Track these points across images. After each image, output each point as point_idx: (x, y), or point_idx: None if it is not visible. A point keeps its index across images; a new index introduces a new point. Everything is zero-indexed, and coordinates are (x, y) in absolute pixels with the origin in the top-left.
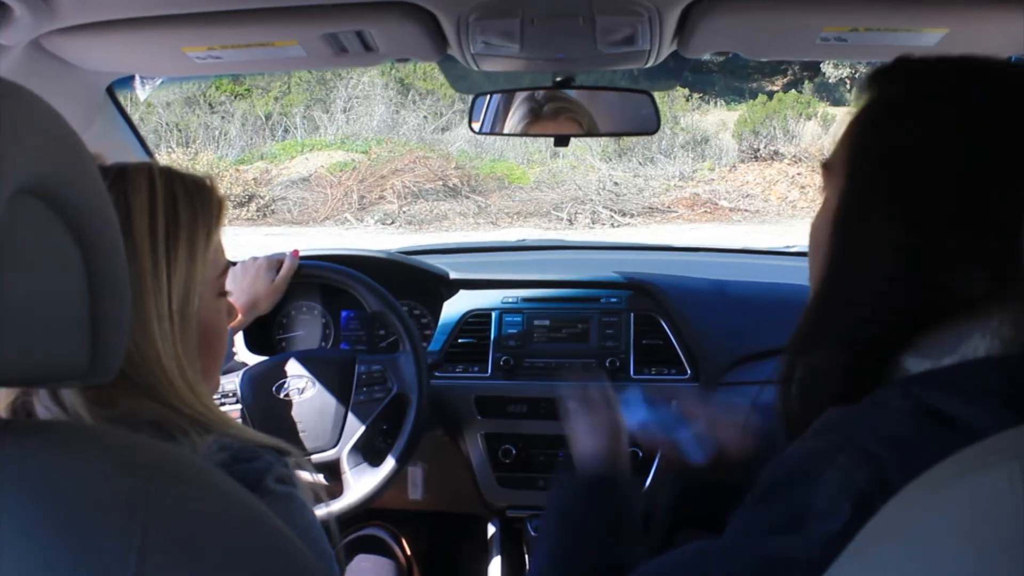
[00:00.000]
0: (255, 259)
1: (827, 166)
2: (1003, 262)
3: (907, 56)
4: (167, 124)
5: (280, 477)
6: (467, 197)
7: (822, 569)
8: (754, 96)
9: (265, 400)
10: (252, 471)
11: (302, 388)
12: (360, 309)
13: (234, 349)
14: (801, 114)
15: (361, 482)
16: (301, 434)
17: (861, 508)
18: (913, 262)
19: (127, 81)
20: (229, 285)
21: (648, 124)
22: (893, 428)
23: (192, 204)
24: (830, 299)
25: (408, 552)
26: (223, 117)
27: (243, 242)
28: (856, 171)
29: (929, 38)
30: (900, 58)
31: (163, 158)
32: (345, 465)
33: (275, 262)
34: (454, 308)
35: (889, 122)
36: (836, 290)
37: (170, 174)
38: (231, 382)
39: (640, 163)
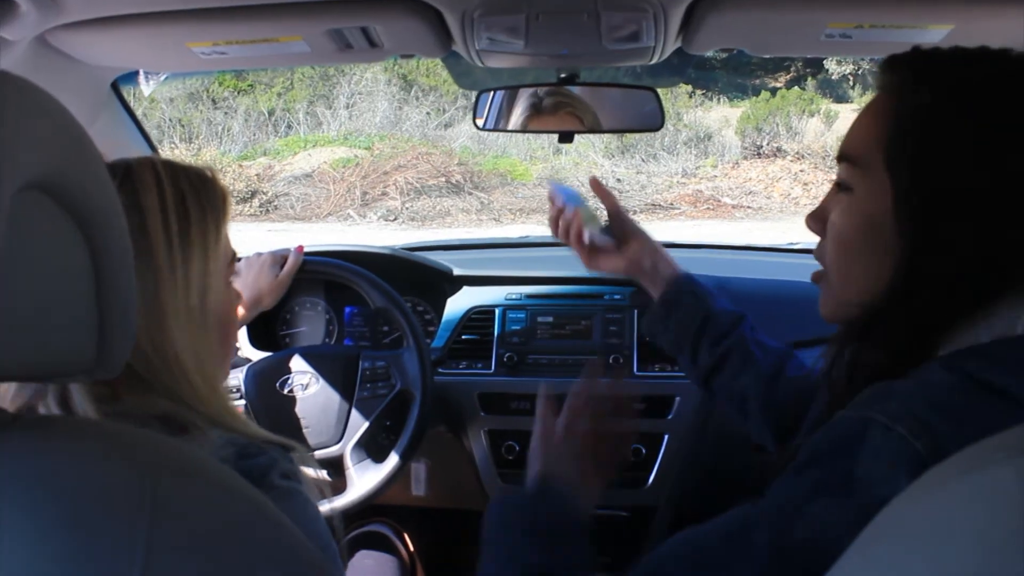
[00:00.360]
0: (259, 255)
1: (853, 161)
2: None
3: (920, 47)
4: (170, 120)
5: (285, 473)
6: (470, 194)
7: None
8: (757, 93)
9: (268, 396)
10: (256, 467)
11: (306, 384)
12: (364, 305)
13: (237, 344)
14: (804, 111)
15: (364, 478)
16: (304, 430)
17: (917, 476)
18: (983, 255)
19: (131, 76)
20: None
21: (652, 120)
22: (946, 399)
23: (200, 199)
24: (903, 294)
25: (411, 548)
26: (226, 113)
27: (246, 238)
28: (913, 170)
29: (934, 34)
30: (916, 48)
31: (166, 153)
32: (348, 461)
33: (279, 258)
34: (458, 304)
35: (939, 121)
36: (910, 286)
37: (174, 169)
38: (235, 378)
39: (643, 160)
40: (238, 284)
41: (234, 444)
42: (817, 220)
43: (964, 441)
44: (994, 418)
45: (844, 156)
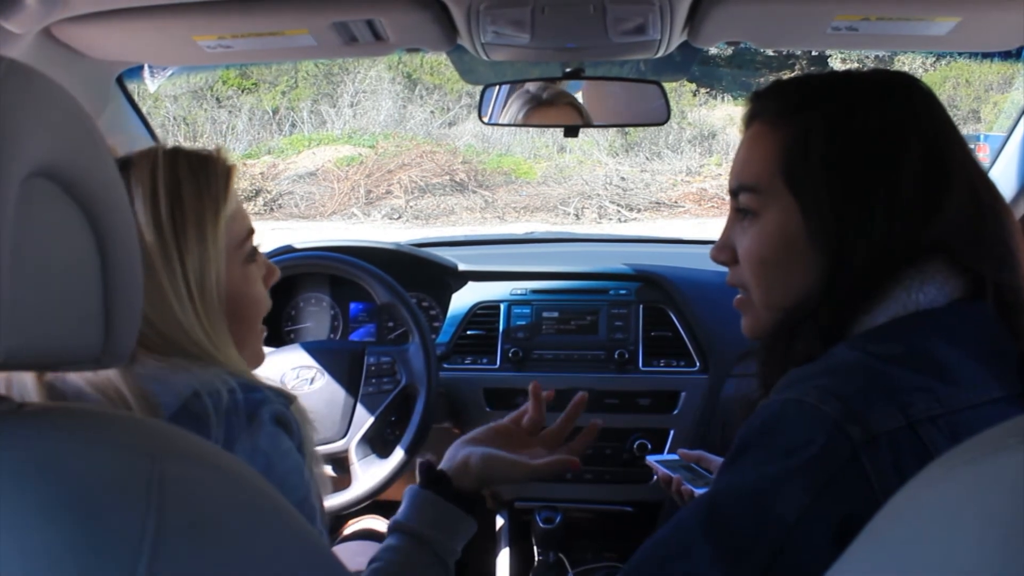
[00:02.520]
0: None
1: (753, 190)
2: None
3: (784, 79)
4: (174, 118)
5: (277, 416)
6: (474, 192)
7: (805, 488)
8: None
9: None
10: (251, 400)
11: (311, 379)
12: (369, 301)
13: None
14: None
15: (369, 474)
16: None
17: (835, 433)
18: (888, 247)
19: (137, 71)
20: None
21: (658, 114)
22: (850, 372)
23: (197, 184)
24: (823, 292)
25: None
26: (230, 111)
27: None
28: (816, 187)
29: (941, 27)
30: (778, 81)
31: None
32: (353, 457)
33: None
34: (463, 300)
35: (828, 138)
36: (829, 284)
37: (175, 156)
38: None
39: (647, 158)
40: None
41: (233, 380)
42: (725, 251)
43: (868, 399)
44: (890, 379)
45: (743, 187)
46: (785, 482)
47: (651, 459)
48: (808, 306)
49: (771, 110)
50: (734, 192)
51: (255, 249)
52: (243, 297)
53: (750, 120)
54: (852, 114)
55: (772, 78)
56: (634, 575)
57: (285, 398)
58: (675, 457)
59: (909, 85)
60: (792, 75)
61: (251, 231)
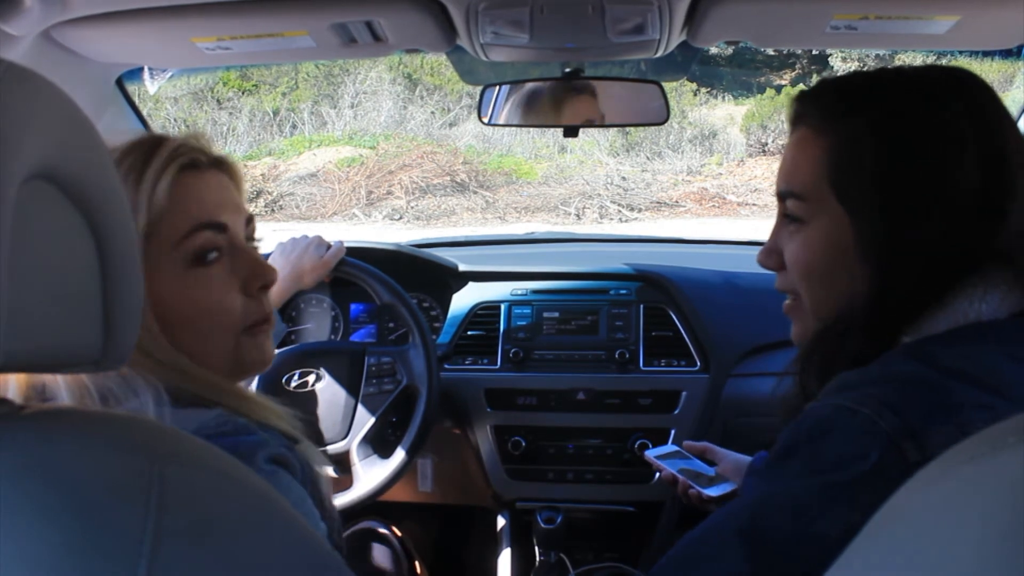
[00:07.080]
0: (305, 236)
1: (800, 197)
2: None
3: (829, 78)
4: (175, 120)
5: (274, 458)
6: (475, 192)
7: (853, 506)
8: (762, 90)
9: (274, 392)
10: (245, 444)
11: (312, 380)
12: (370, 301)
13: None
14: None
15: (370, 474)
16: (310, 426)
17: (889, 450)
18: (942, 256)
19: (136, 73)
20: (275, 259)
21: (658, 114)
22: (907, 382)
23: (139, 168)
24: (873, 302)
25: (404, 542)
26: (231, 113)
27: None
28: (867, 197)
29: (940, 26)
30: (824, 80)
31: None
32: (355, 457)
33: (326, 242)
34: (463, 300)
35: (878, 146)
36: (879, 294)
37: (143, 141)
38: None
39: (648, 158)
40: (279, 262)
41: (233, 423)
42: (772, 255)
43: (927, 415)
44: (950, 394)
45: (790, 193)
46: (832, 496)
47: (649, 454)
48: (856, 314)
49: (815, 114)
50: (781, 196)
51: (210, 251)
52: (187, 306)
53: (795, 123)
54: (900, 119)
55: (773, 77)
56: (668, 571)
57: (290, 439)
58: (674, 448)
59: (963, 82)
60: (839, 74)
61: (196, 226)
